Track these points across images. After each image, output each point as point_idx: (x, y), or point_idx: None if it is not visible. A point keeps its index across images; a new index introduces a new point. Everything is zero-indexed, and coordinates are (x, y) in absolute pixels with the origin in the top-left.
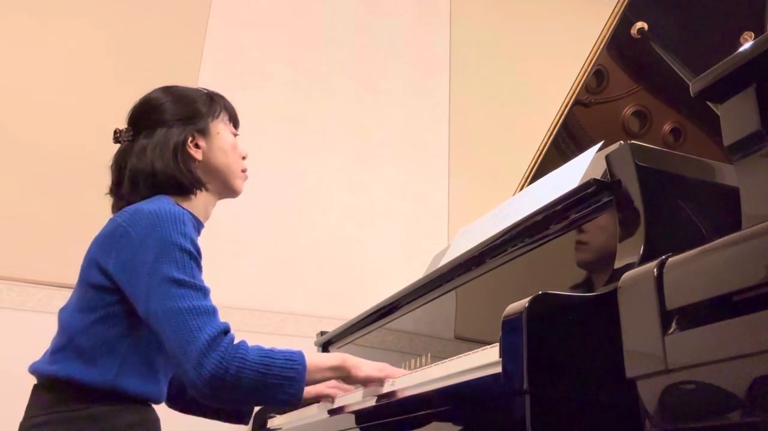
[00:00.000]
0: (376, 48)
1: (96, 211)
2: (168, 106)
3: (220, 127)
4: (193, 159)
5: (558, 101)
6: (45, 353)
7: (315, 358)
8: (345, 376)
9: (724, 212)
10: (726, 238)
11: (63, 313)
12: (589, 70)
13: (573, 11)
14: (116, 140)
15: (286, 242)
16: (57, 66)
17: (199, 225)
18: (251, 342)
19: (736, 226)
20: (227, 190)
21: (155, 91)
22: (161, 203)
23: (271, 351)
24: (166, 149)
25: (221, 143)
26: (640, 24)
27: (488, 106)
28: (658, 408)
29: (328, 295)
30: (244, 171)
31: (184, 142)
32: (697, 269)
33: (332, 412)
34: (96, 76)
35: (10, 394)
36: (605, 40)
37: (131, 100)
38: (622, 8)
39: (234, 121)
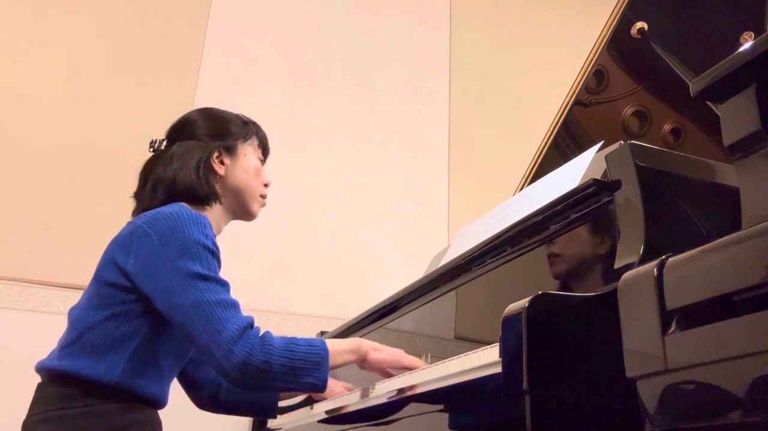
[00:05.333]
0: (376, 48)
1: (96, 211)
2: (201, 123)
3: (247, 149)
4: (216, 174)
5: (558, 101)
6: (52, 351)
7: (333, 343)
8: (362, 358)
9: (724, 212)
10: (726, 238)
11: (73, 311)
12: (589, 70)
13: (573, 11)
14: (151, 148)
15: (286, 242)
16: (58, 65)
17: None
18: None
19: (736, 226)
20: (243, 210)
21: (193, 110)
22: (179, 207)
23: (294, 338)
24: (190, 159)
25: (245, 164)
26: (640, 24)
27: (488, 106)
28: (658, 408)
29: (328, 295)
30: (263, 197)
31: (209, 155)
32: (697, 269)
33: (331, 412)
34: (97, 76)
35: (10, 393)
36: (605, 40)
37: (132, 99)
38: (622, 8)
39: (264, 148)
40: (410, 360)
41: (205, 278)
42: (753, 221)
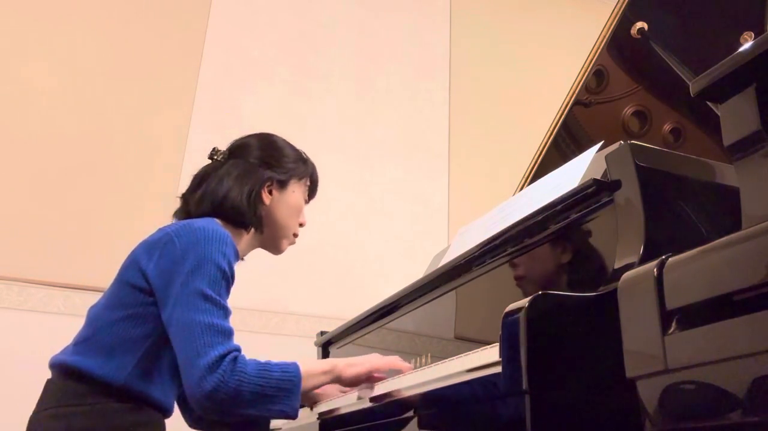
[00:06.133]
0: (376, 48)
1: (96, 211)
2: (264, 149)
3: (297, 188)
4: (262, 202)
5: (558, 101)
6: (66, 346)
7: (307, 366)
8: (337, 378)
9: (724, 212)
10: (726, 238)
11: (93, 309)
12: (589, 70)
13: (573, 11)
14: (211, 156)
15: None
16: (58, 65)
17: (236, 257)
18: (253, 343)
19: (736, 226)
20: (272, 243)
21: (262, 133)
22: (210, 223)
23: (268, 364)
24: (245, 182)
25: (291, 201)
26: (640, 24)
27: (488, 106)
28: (658, 408)
29: (328, 295)
30: (295, 236)
31: (262, 184)
32: (697, 269)
33: (330, 413)
34: (97, 76)
35: (11, 393)
36: (605, 40)
37: (132, 99)
38: (622, 8)
39: (312, 191)
40: (385, 361)
41: (207, 298)
42: (753, 221)
